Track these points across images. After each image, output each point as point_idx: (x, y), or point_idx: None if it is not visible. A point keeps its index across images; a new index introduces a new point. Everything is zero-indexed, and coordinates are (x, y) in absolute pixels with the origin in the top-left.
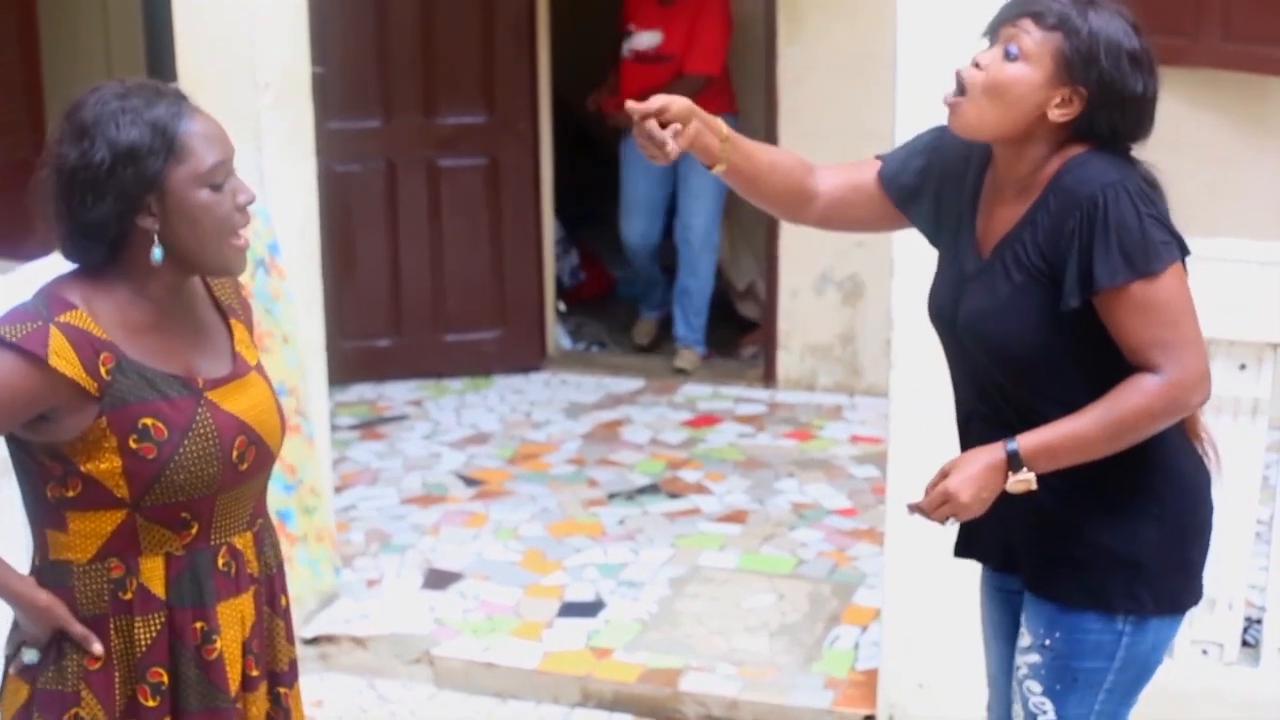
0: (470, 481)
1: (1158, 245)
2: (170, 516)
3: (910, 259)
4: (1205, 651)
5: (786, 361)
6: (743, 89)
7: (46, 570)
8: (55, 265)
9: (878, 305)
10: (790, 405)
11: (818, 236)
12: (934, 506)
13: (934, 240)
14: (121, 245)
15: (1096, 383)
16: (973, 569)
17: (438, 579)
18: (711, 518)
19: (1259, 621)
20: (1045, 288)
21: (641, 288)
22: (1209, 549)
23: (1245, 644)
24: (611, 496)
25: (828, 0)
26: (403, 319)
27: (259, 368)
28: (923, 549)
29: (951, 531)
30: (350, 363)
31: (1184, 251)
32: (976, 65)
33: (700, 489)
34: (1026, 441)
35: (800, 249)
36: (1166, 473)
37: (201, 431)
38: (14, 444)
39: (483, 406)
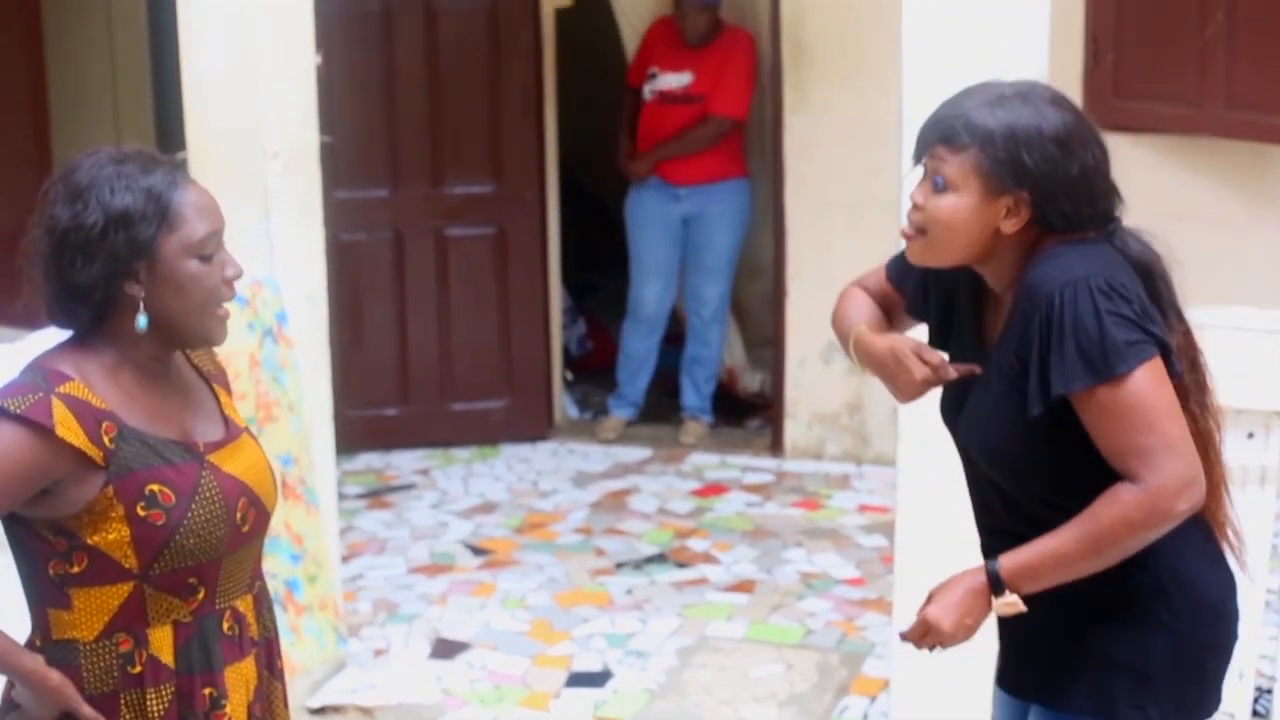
0: (478, 551)
1: (1120, 345)
2: (179, 583)
3: (918, 329)
4: None
5: (794, 430)
6: (748, 157)
7: (49, 651)
8: (60, 335)
9: None
10: (798, 474)
11: (825, 305)
12: (917, 636)
13: (943, 345)
14: (107, 311)
15: (1096, 489)
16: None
17: (445, 648)
18: (719, 587)
19: (1269, 691)
20: (1022, 392)
21: (630, 370)
22: (1230, 659)
23: (1256, 714)
24: (619, 566)
25: (833, 69)
26: (410, 388)
27: (248, 430)
28: None
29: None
30: (358, 432)
31: (1162, 348)
32: (915, 205)
33: (708, 558)
34: (1007, 562)
35: (807, 318)
36: (1178, 578)
37: (207, 495)
38: (12, 521)
39: (490, 475)
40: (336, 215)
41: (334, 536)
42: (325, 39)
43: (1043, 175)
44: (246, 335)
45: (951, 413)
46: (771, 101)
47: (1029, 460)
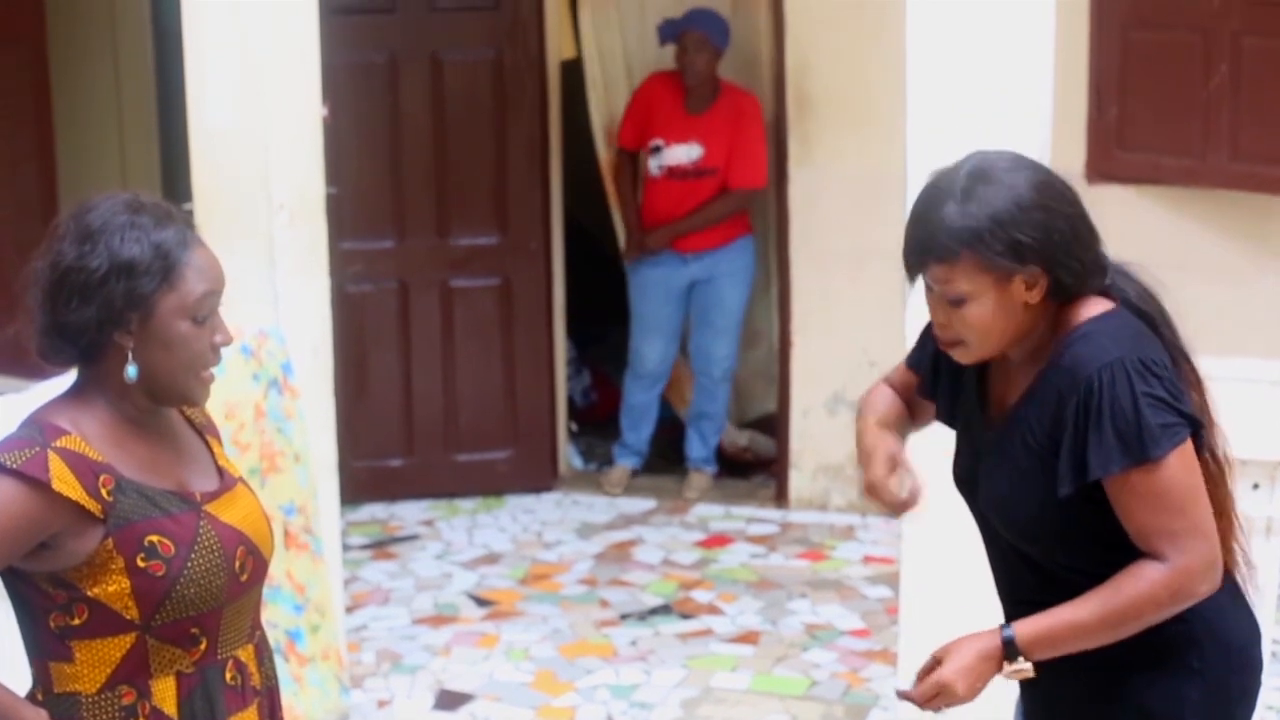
0: (482, 602)
1: (1155, 430)
2: (181, 633)
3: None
4: None
5: (798, 481)
6: (756, 212)
7: (51, 705)
8: (61, 387)
9: None
10: (802, 525)
11: (829, 356)
12: (926, 698)
13: (950, 418)
14: (95, 357)
15: (1124, 557)
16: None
17: (449, 700)
18: (724, 638)
19: None
20: (1052, 468)
21: (633, 419)
22: (1255, 707)
23: None
24: (623, 617)
25: (838, 122)
26: (415, 439)
27: (242, 480)
28: None
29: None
30: (362, 482)
31: (1194, 428)
32: (941, 324)
33: (712, 609)
34: (1023, 629)
35: (812, 369)
36: (1210, 627)
37: (206, 544)
38: (12, 575)
39: (494, 526)
40: (342, 266)
41: (338, 586)
42: (331, 91)
43: (1041, 245)
44: (252, 386)
45: (967, 483)
46: (776, 154)
47: (1055, 531)
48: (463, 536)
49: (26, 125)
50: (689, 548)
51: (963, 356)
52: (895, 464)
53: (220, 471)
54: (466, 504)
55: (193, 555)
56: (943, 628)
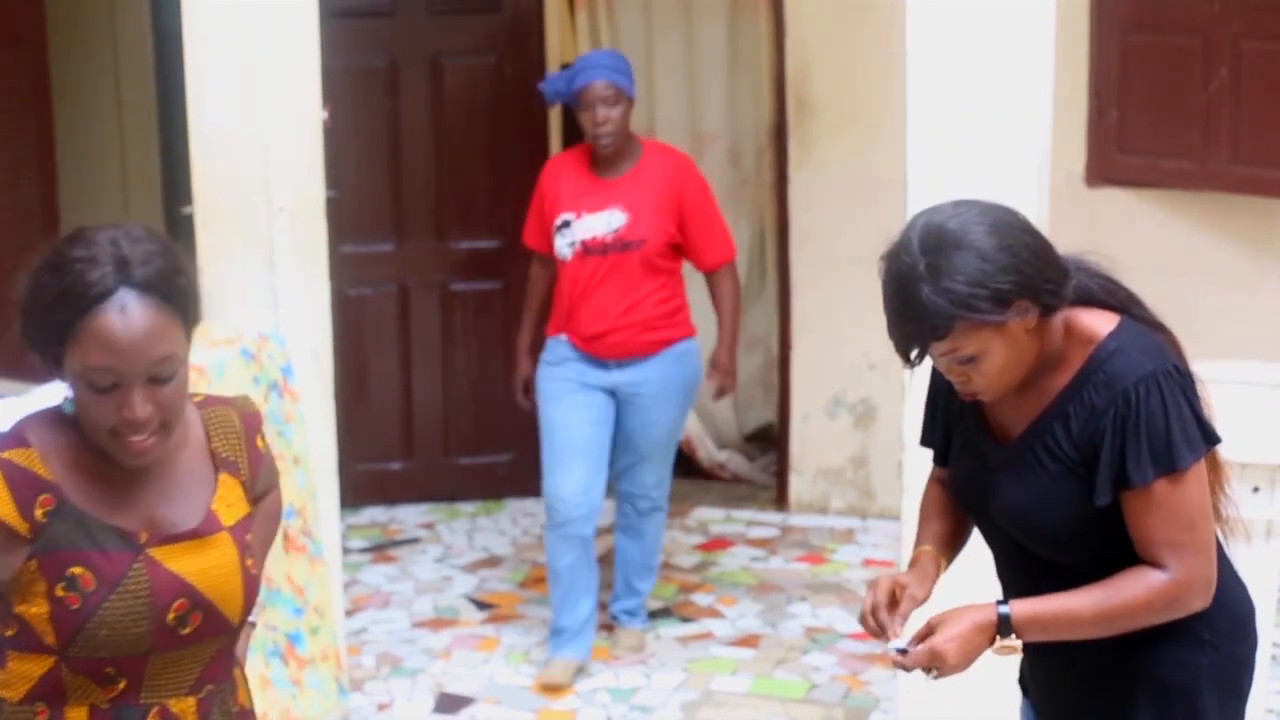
0: (482, 605)
1: (1181, 443)
2: (95, 670)
3: (922, 382)
4: None
5: (798, 485)
6: (753, 213)
7: None
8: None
9: (890, 429)
10: (803, 528)
11: (829, 360)
12: (919, 664)
13: (945, 452)
14: (59, 377)
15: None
16: (985, 691)
17: (449, 703)
18: (724, 642)
19: None
20: (1080, 477)
21: (563, 591)
22: (1253, 678)
23: None
24: None
25: (838, 126)
26: (415, 442)
27: (237, 528)
28: None
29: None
30: (362, 485)
31: (1210, 440)
32: (960, 383)
33: (712, 613)
34: (1019, 609)
35: (812, 373)
36: (1218, 598)
37: (132, 589)
38: None
39: (494, 530)
40: (342, 270)
41: (338, 589)
42: (331, 94)
43: (1020, 283)
44: (252, 389)
45: (974, 498)
46: (775, 157)
47: (1090, 535)
48: (463, 540)
49: (27, 128)
50: (689, 551)
51: (986, 398)
52: (897, 596)
53: (208, 515)
54: (466, 507)
55: (112, 596)
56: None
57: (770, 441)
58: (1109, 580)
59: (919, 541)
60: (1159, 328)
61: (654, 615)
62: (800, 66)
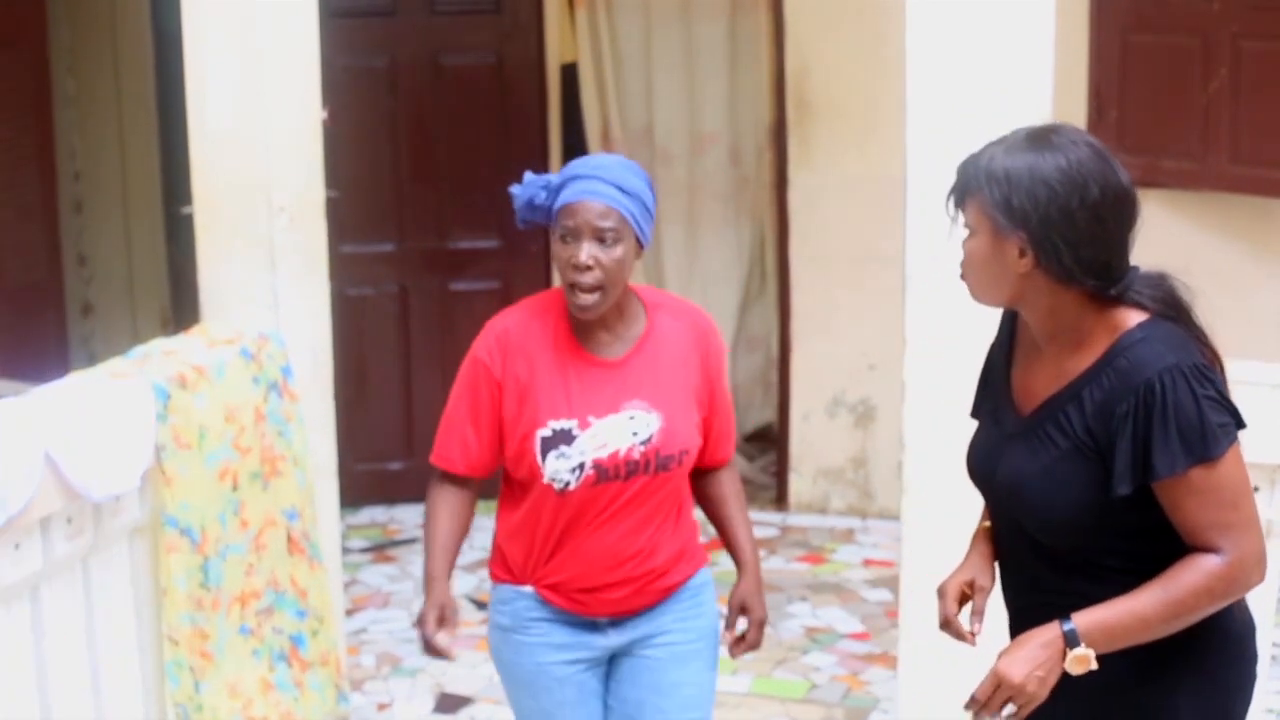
0: (481, 605)
1: (1215, 429)
2: None
3: (922, 382)
4: None
5: (798, 485)
6: (753, 214)
7: None
8: (64, 388)
9: (890, 429)
10: (802, 528)
11: (830, 359)
12: (986, 694)
13: (978, 407)
14: None
15: (1140, 552)
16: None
17: (449, 703)
18: (724, 642)
19: None
20: (1089, 460)
21: None
22: (1250, 701)
23: None
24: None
25: (838, 125)
26: (414, 442)
27: None
28: (937, 674)
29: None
30: (362, 485)
31: (1240, 426)
32: (959, 263)
33: None
34: (1083, 620)
35: (812, 372)
36: (1208, 618)
37: None
38: None
39: (493, 529)
40: (342, 270)
41: (337, 591)
42: (332, 94)
43: (1026, 215)
44: (251, 389)
45: (985, 468)
46: (775, 158)
47: (1085, 520)
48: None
49: (27, 128)
50: None
51: (970, 293)
52: (966, 595)
53: None
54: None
55: None
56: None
57: (770, 441)
58: (1163, 575)
59: (984, 517)
60: (1215, 356)
61: None
62: (800, 66)
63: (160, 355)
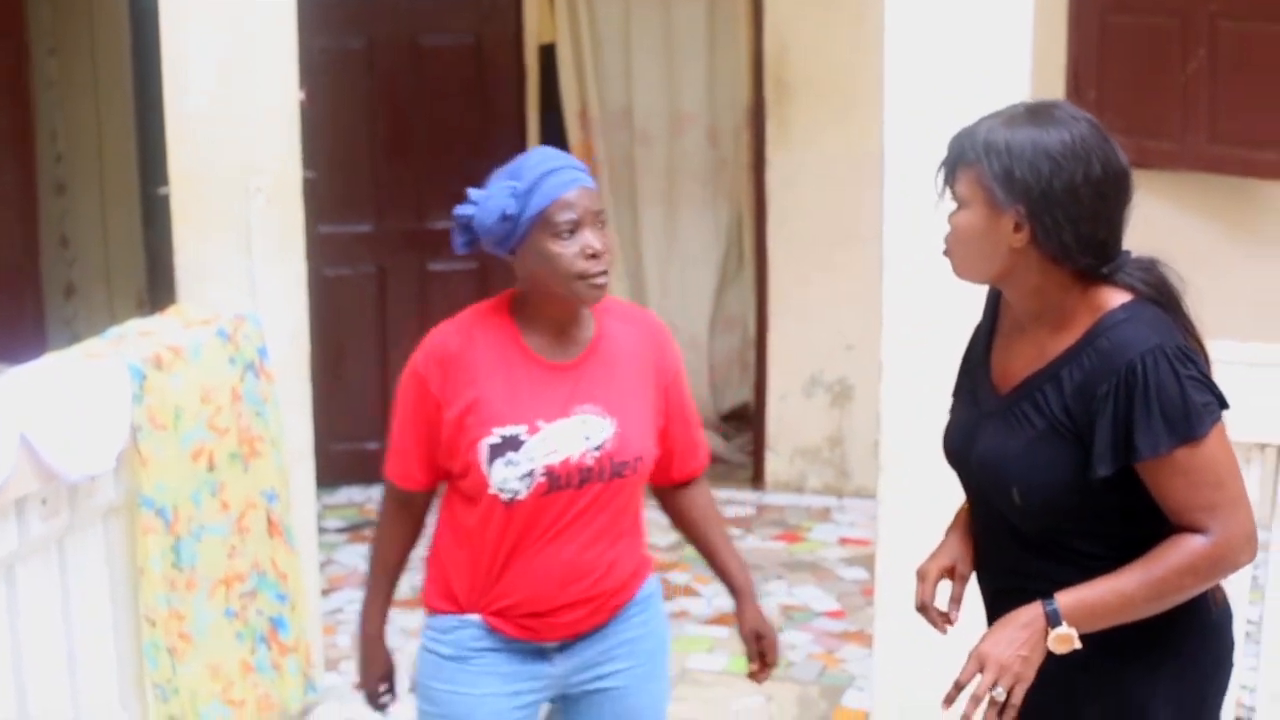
0: None
1: (1199, 408)
2: None
3: (899, 362)
4: None
5: (775, 464)
6: (731, 195)
7: None
8: (39, 369)
9: (866, 408)
10: (779, 507)
11: (806, 340)
12: (970, 678)
13: (959, 387)
14: None
15: (1116, 535)
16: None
17: None
18: (700, 620)
19: None
20: (1066, 441)
21: None
22: (1227, 686)
23: None
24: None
25: (816, 106)
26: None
27: None
28: (912, 651)
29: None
30: (339, 465)
31: (1223, 406)
32: (944, 235)
33: (689, 591)
34: (1065, 599)
35: (789, 352)
36: (1185, 604)
37: None
38: None
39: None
40: (319, 250)
41: (312, 574)
42: (309, 75)
43: (1027, 188)
44: (228, 369)
45: (961, 448)
46: (753, 138)
47: (1061, 500)
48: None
49: (5, 110)
50: (665, 529)
51: (952, 268)
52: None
53: None
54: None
55: None
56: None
57: (746, 421)
58: (1148, 555)
59: (956, 518)
60: (1199, 344)
61: None
62: (778, 47)
63: (136, 336)
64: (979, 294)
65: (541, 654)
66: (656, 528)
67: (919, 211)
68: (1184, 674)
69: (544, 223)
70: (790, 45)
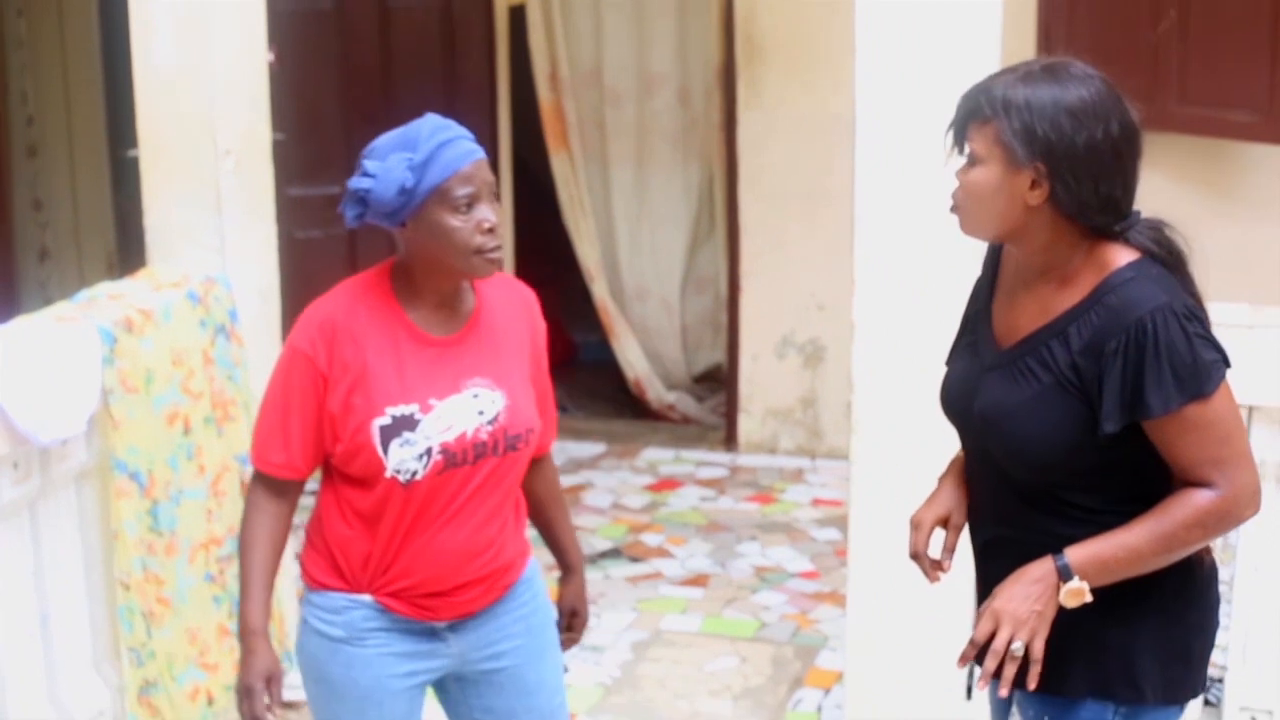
0: None
1: (1208, 365)
2: None
3: (871, 322)
4: None
5: (748, 425)
6: (702, 155)
7: None
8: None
9: (839, 369)
10: (751, 469)
11: (778, 300)
12: (986, 635)
13: (958, 338)
14: None
15: (1113, 489)
16: (935, 628)
17: None
18: (673, 581)
19: (1220, 680)
20: (1070, 396)
21: None
22: (1213, 642)
23: (1207, 703)
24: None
25: (786, 65)
26: None
27: None
28: (885, 611)
29: (910, 591)
30: None
31: (1227, 365)
32: (953, 192)
33: (662, 553)
34: (1076, 554)
35: (761, 313)
36: (1173, 564)
37: None
38: None
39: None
40: (289, 212)
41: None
42: (277, 36)
43: (1049, 145)
44: (199, 332)
45: (961, 401)
46: (724, 97)
47: (1063, 455)
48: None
49: None
50: (638, 491)
51: (960, 226)
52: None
53: None
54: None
55: None
56: (891, 570)
57: (719, 382)
58: (1155, 509)
59: (949, 467)
60: (1224, 355)
61: (603, 555)
62: (748, 6)
63: (106, 299)
64: (950, 254)
65: (433, 633)
66: (630, 490)
67: (890, 171)
68: (1170, 631)
69: (441, 197)
70: (760, 4)
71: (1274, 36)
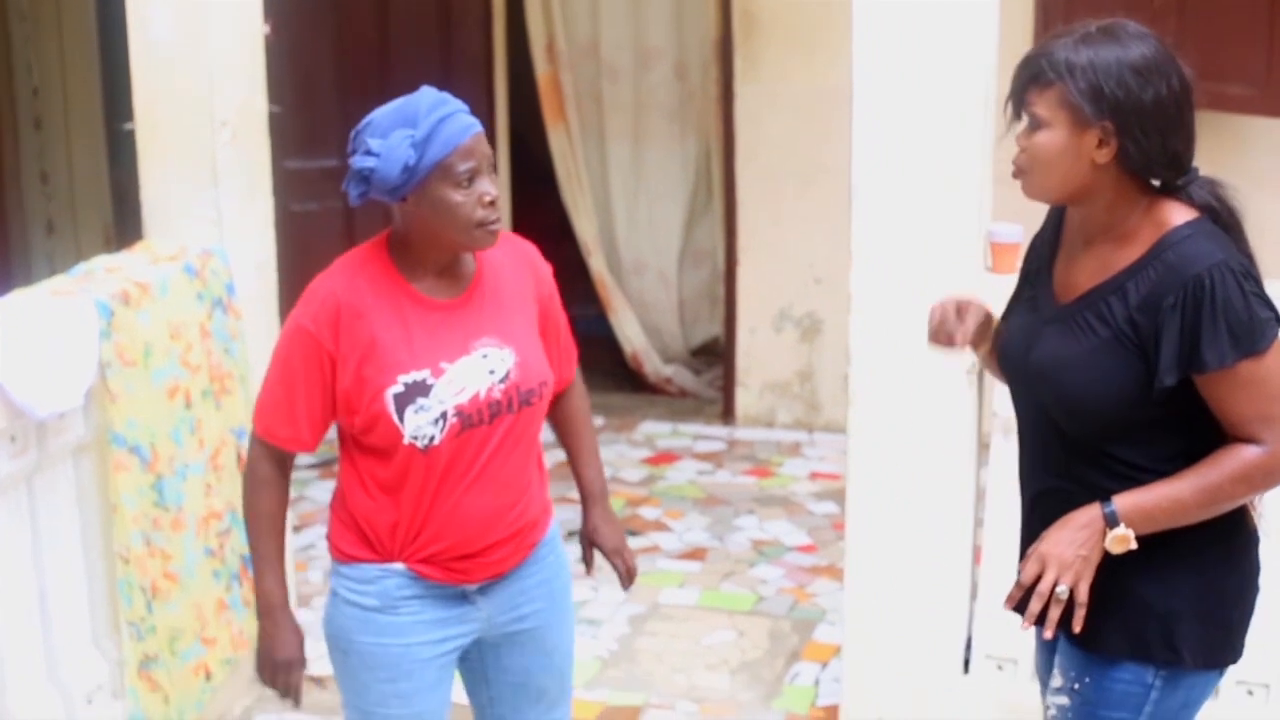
0: None
1: (1262, 323)
2: None
3: (868, 295)
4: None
5: (745, 399)
6: (699, 129)
7: None
8: (4, 306)
9: (836, 342)
10: (749, 442)
11: (776, 274)
12: (1032, 577)
13: (1017, 292)
14: None
15: (1159, 445)
16: (932, 601)
17: None
18: (671, 555)
19: None
20: (1129, 351)
21: None
22: (1253, 609)
23: None
24: (570, 534)
25: (784, 39)
26: None
27: None
28: (883, 585)
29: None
30: None
31: (1279, 323)
32: (1019, 152)
33: (660, 526)
34: (1122, 502)
35: (758, 287)
36: (1212, 526)
37: None
38: None
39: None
40: (286, 185)
41: None
42: (273, 8)
43: (1118, 103)
44: (196, 306)
45: (1019, 353)
46: (721, 72)
47: (1115, 410)
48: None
49: None
50: (636, 465)
51: (1024, 190)
52: (959, 310)
53: None
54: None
55: None
56: (888, 543)
57: (716, 355)
58: (1203, 462)
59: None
60: (1277, 315)
61: None
62: None
63: (103, 272)
64: (946, 227)
65: (464, 597)
66: (627, 463)
67: (887, 145)
68: (1209, 595)
69: (443, 172)
70: None
71: (1271, 10)
